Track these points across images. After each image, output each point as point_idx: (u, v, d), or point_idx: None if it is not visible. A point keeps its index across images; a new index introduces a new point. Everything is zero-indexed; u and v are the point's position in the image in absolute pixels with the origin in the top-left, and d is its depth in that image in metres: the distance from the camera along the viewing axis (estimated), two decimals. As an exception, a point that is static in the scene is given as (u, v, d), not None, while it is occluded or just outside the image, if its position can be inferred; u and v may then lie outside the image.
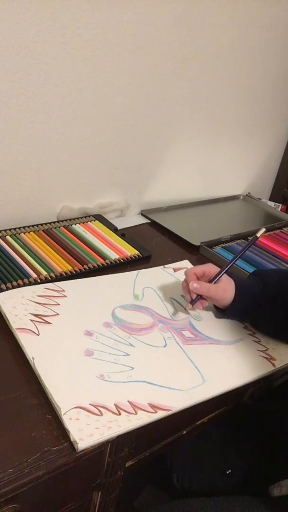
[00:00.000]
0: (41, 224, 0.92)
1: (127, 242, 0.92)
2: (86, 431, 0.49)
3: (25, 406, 0.52)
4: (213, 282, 0.69)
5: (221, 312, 0.72)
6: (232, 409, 0.69)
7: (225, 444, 0.83)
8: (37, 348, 0.59)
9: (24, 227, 0.89)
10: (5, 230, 0.86)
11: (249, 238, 1.07)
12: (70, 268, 0.79)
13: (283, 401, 0.90)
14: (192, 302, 0.69)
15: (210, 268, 0.70)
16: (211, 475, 0.79)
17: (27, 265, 0.77)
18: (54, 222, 0.94)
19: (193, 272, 0.69)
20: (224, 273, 0.70)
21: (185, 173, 1.19)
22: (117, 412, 0.52)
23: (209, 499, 0.68)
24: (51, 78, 0.82)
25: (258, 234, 0.74)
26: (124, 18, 0.86)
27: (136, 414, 0.52)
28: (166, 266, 0.86)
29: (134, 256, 0.87)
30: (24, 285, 0.72)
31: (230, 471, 0.78)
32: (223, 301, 0.69)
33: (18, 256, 0.79)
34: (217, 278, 0.69)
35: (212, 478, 0.78)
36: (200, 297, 0.69)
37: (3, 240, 0.83)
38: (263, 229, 0.74)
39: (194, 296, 0.69)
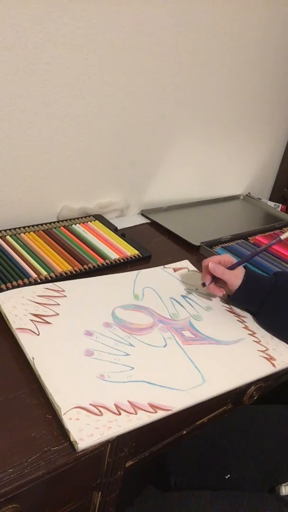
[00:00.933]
0: (41, 224, 0.92)
1: (127, 242, 0.92)
2: (86, 431, 0.49)
3: (25, 406, 0.52)
4: (231, 269, 0.75)
5: (228, 298, 0.78)
6: (233, 409, 0.69)
7: (224, 448, 0.83)
8: (37, 348, 0.59)
9: (24, 227, 0.89)
10: (5, 230, 0.86)
11: (249, 238, 1.07)
12: (70, 268, 0.79)
13: (283, 401, 0.90)
14: (205, 284, 0.75)
15: (226, 258, 0.76)
16: (209, 479, 0.79)
17: (27, 265, 0.77)
18: (54, 222, 0.94)
19: (210, 259, 0.76)
20: (240, 265, 0.75)
21: (185, 173, 1.19)
22: (117, 412, 0.52)
23: (214, 493, 0.68)
24: (51, 78, 0.82)
25: (283, 237, 0.76)
26: (124, 18, 0.86)
27: (136, 414, 0.52)
28: (166, 266, 0.86)
29: (134, 256, 0.87)
30: (24, 285, 0.72)
31: (229, 476, 0.78)
32: (234, 287, 0.74)
33: (18, 256, 0.79)
34: (234, 267, 0.75)
35: (211, 483, 0.78)
36: (214, 280, 0.75)
37: (3, 240, 0.83)
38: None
39: (209, 280, 0.75)
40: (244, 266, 0.77)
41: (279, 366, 0.66)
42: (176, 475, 0.81)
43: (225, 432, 0.84)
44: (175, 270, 0.86)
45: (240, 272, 0.75)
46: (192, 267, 0.88)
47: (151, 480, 0.96)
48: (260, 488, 0.74)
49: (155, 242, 0.98)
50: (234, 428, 0.85)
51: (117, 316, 0.69)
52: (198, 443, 0.82)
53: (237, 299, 0.76)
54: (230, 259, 0.77)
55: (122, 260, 0.85)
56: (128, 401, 0.54)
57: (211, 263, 0.75)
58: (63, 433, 0.49)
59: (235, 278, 0.74)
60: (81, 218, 0.98)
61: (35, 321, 0.64)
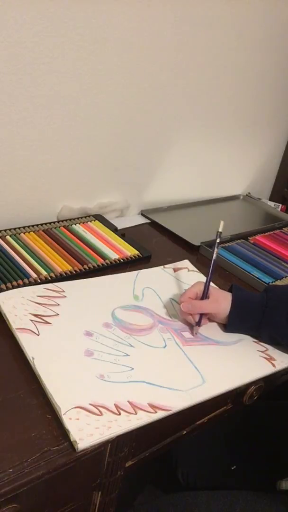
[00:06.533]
0: (41, 224, 0.92)
1: (127, 242, 0.92)
2: (86, 431, 0.49)
3: (25, 406, 0.52)
4: (204, 297, 0.68)
5: (225, 329, 0.70)
6: (232, 409, 0.69)
7: (230, 440, 0.84)
8: (37, 348, 0.59)
9: (24, 227, 0.89)
10: (5, 230, 0.86)
11: (249, 238, 1.07)
12: (70, 268, 0.79)
13: (284, 400, 0.90)
14: (198, 323, 0.68)
15: (200, 287, 0.69)
16: (216, 471, 0.80)
17: (27, 265, 0.77)
18: (54, 222, 0.94)
19: (188, 296, 0.68)
20: (208, 286, 0.69)
21: (185, 173, 1.19)
22: (117, 412, 0.52)
23: (213, 492, 0.68)
24: (51, 78, 0.82)
25: (220, 229, 0.72)
26: (124, 18, 0.86)
27: (136, 414, 0.52)
28: (166, 266, 0.86)
29: (134, 256, 0.87)
30: (24, 285, 0.72)
31: (235, 467, 0.78)
32: (219, 313, 0.68)
33: (18, 256, 0.79)
34: (206, 293, 0.68)
35: (217, 474, 0.79)
36: (201, 315, 0.68)
37: (3, 240, 0.83)
38: (222, 222, 0.73)
39: (197, 318, 0.68)
40: (231, 288, 0.71)
41: (279, 366, 0.66)
42: (183, 467, 0.81)
43: (232, 426, 0.85)
44: (175, 270, 0.86)
45: (216, 296, 0.68)
46: (192, 267, 0.88)
47: (151, 480, 0.97)
48: (263, 482, 0.74)
49: (155, 242, 0.98)
50: (241, 422, 0.85)
51: (117, 316, 0.69)
52: (205, 436, 0.83)
53: (233, 330, 0.70)
54: (203, 286, 0.70)
55: (122, 260, 0.85)
56: (128, 401, 0.54)
57: (185, 304, 0.67)
58: (63, 433, 0.49)
59: (215, 303, 0.68)
60: (81, 218, 0.98)
61: (35, 321, 0.64)
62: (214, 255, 0.72)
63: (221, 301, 0.68)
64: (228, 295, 0.69)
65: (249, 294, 0.70)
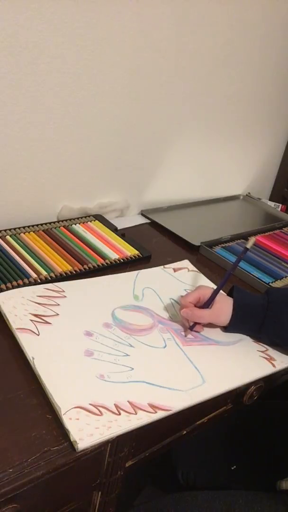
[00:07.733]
0: (41, 224, 0.92)
1: (127, 242, 0.92)
2: (86, 431, 0.49)
3: (25, 406, 0.52)
4: (209, 306, 0.67)
5: (225, 330, 0.70)
6: (232, 409, 0.69)
7: (230, 440, 0.84)
8: (37, 348, 0.59)
9: (24, 227, 0.89)
10: (5, 230, 0.86)
11: (249, 238, 1.07)
12: (70, 268, 0.79)
13: (284, 399, 0.90)
14: (191, 328, 0.68)
15: (204, 292, 0.68)
16: (216, 471, 0.80)
17: (27, 265, 0.77)
18: (54, 222, 0.94)
19: (189, 301, 0.68)
20: (216, 295, 0.67)
21: (185, 173, 1.19)
22: (117, 412, 0.52)
23: (213, 492, 0.68)
24: (51, 78, 0.82)
25: (248, 246, 0.68)
26: (124, 18, 0.86)
27: (136, 414, 0.52)
28: (166, 266, 0.86)
29: (134, 256, 0.87)
30: (24, 285, 0.72)
31: (235, 467, 0.78)
32: (221, 323, 0.68)
33: (18, 256, 0.79)
34: (210, 303, 0.67)
35: (217, 474, 0.79)
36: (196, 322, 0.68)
37: (3, 240, 0.83)
38: (253, 239, 0.69)
39: (191, 323, 0.68)
40: (231, 289, 0.70)
41: (279, 366, 0.66)
42: (183, 467, 0.82)
43: (232, 426, 0.85)
44: (175, 270, 0.86)
45: (221, 306, 0.67)
46: (192, 267, 0.88)
47: (151, 480, 0.97)
48: (263, 482, 0.74)
49: (155, 242, 0.98)
50: (241, 422, 0.85)
51: (117, 316, 0.69)
52: (205, 436, 0.83)
53: (233, 331, 0.70)
54: (207, 291, 0.68)
55: (122, 260, 0.85)
56: (128, 401, 0.54)
57: (185, 310, 0.66)
58: (63, 433, 0.49)
59: (217, 316, 0.67)
60: (81, 218, 0.98)
61: (35, 321, 0.64)
62: (232, 269, 0.71)
63: (223, 312, 0.67)
64: (230, 304, 0.67)
65: (250, 297, 0.70)
